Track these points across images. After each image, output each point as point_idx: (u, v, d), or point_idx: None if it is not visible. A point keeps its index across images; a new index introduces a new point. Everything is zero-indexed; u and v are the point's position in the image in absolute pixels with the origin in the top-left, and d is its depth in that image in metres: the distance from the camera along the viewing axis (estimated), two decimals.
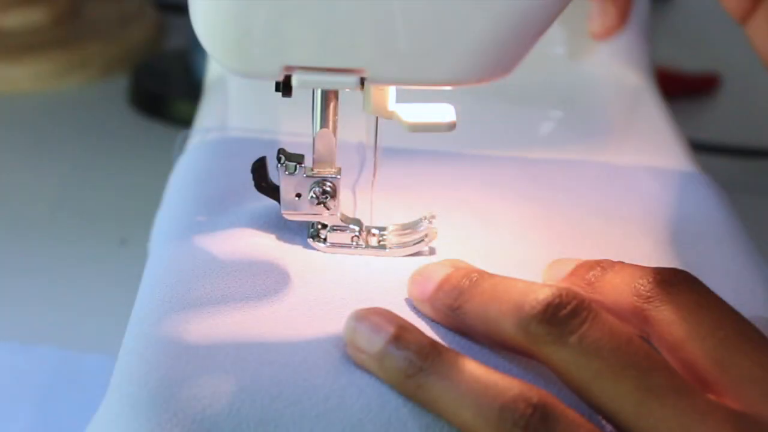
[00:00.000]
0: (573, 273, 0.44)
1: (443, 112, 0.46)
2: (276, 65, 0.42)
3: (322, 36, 0.41)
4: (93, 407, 0.42)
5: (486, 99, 0.63)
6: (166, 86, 0.86)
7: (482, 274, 0.43)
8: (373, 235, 0.49)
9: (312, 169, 0.48)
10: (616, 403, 0.38)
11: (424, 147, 0.58)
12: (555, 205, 0.54)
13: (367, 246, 0.49)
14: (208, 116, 0.62)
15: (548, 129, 0.63)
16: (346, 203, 0.51)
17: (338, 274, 0.47)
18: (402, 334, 0.40)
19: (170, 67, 0.89)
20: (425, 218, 0.49)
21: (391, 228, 0.50)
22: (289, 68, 0.42)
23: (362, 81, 0.43)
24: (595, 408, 0.39)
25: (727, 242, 0.52)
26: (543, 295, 0.39)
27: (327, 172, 0.48)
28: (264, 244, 0.48)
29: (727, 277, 0.49)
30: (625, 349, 0.38)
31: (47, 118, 0.84)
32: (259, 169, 0.49)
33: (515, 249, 0.50)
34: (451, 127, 0.46)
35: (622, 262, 0.44)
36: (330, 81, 0.43)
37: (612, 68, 0.67)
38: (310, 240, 0.49)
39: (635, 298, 0.41)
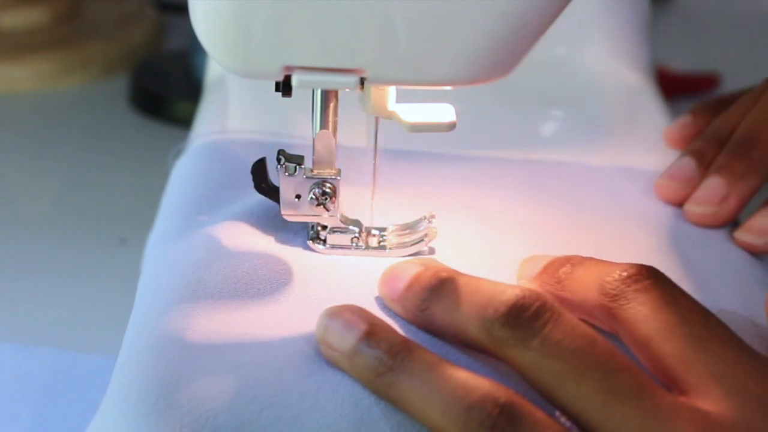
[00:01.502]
0: (544, 270, 0.44)
1: (443, 112, 0.46)
2: (276, 65, 0.42)
3: (322, 36, 0.41)
4: (93, 407, 0.42)
5: (486, 99, 0.63)
6: (166, 86, 0.86)
7: (451, 274, 0.43)
8: (373, 235, 0.49)
9: (312, 170, 0.48)
10: (580, 404, 0.38)
11: (424, 147, 0.58)
12: (555, 206, 0.54)
13: (367, 247, 0.49)
14: (207, 117, 0.62)
15: (548, 129, 0.63)
16: (345, 204, 0.51)
17: (336, 276, 0.47)
18: (373, 332, 0.40)
19: (170, 67, 0.89)
20: (425, 218, 0.49)
21: (391, 228, 0.50)
22: (289, 68, 0.42)
23: (362, 81, 0.43)
24: (560, 409, 0.39)
25: (726, 241, 0.52)
26: (506, 297, 0.39)
27: (327, 173, 0.48)
28: (263, 246, 0.48)
29: (727, 276, 0.49)
30: (587, 351, 0.38)
31: (47, 118, 0.84)
32: (258, 170, 0.49)
33: (515, 249, 0.50)
34: (451, 127, 0.46)
35: (592, 259, 0.43)
36: (330, 81, 0.43)
37: (612, 68, 0.67)
38: (309, 242, 0.49)
39: (602, 296, 0.41)
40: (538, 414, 0.38)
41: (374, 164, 0.48)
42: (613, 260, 0.43)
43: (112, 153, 0.78)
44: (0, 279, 0.64)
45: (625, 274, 0.41)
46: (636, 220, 0.53)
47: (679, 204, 0.54)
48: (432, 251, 0.49)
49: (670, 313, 0.40)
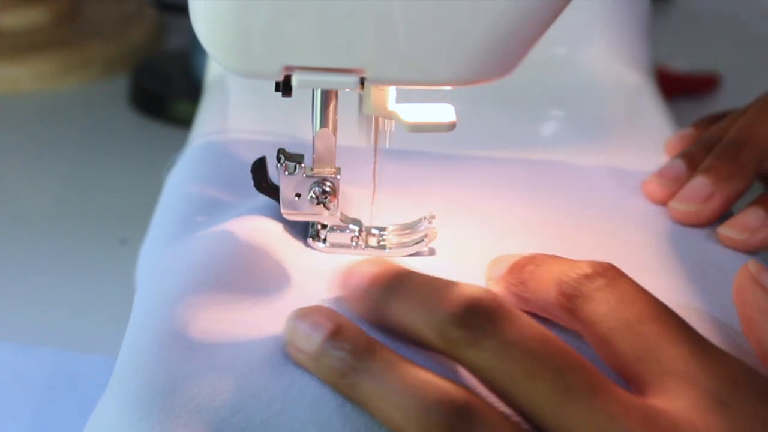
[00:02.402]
0: (509, 271, 0.44)
1: (443, 112, 0.46)
2: (276, 65, 0.42)
3: (322, 36, 0.41)
4: (91, 406, 0.42)
5: (486, 99, 0.63)
6: (166, 86, 0.86)
7: (408, 275, 0.42)
8: (373, 235, 0.49)
9: (312, 169, 0.48)
10: (534, 405, 0.38)
11: (424, 147, 0.58)
12: (555, 206, 0.54)
13: (367, 246, 0.49)
14: (207, 117, 0.62)
15: (548, 129, 0.63)
16: (345, 203, 0.51)
17: (335, 275, 0.47)
18: (339, 332, 0.40)
19: (170, 67, 0.89)
20: (425, 218, 0.49)
21: (391, 228, 0.50)
22: (289, 68, 0.42)
23: (362, 81, 0.43)
24: (515, 409, 0.39)
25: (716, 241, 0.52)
26: (459, 299, 0.39)
27: (327, 172, 0.48)
28: (263, 245, 0.48)
29: (728, 275, 0.49)
30: (540, 351, 0.38)
31: (47, 118, 0.84)
32: (259, 169, 0.49)
33: (515, 249, 0.50)
34: (452, 127, 0.46)
35: (555, 257, 0.43)
36: (330, 81, 0.43)
37: (612, 68, 0.67)
38: (309, 240, 0.49)
39: (560, 296, 0.41)
40: (495, 416, 0.38)
41: (374, 164, 0.48)
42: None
43: (112, 153, 0.78)
44: (0, 279, 0.64)
45: (582, 273, 0.41)
46: (635, 220, 0.53)
47: (665, 203, 0.55)
48: (432, 251, 0.49)
49: (627, 311, 0.40)
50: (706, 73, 0.91)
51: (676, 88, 0.86)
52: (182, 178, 0.55)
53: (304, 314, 0.41)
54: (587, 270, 0.41)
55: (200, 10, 0.42)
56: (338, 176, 0.48)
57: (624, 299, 0.40)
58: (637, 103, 0.65)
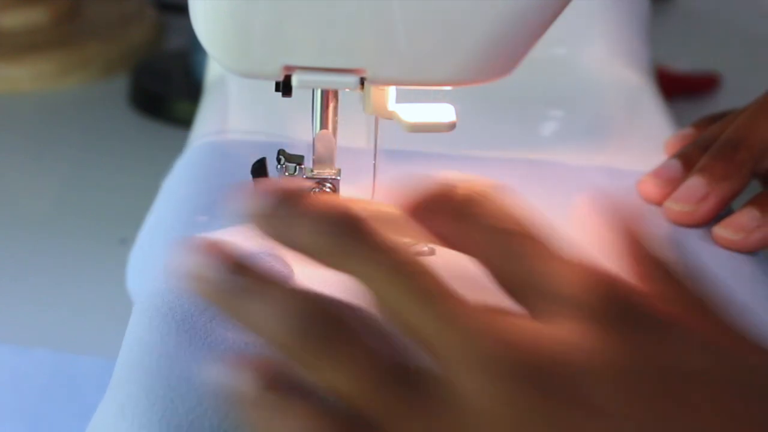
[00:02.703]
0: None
1: (443, 112, 0.46)
2: (276, 65, 0.42)
3: (322, 36, 0.41)
4: (91, 410, 0.42)
5: (486, 99, 0.63)
6: (166, 86, 0.86)
7: (299, 192, 0.41)
8: None
9: (312, 171, 0.48)
10: (389, 304, 0.38)
11: (424, 147, 0.58)
12: (555, 206, 0.54)
13: None
14: (207, 117, 0.62)
15: (548, 129, 0.63)
16: None
17: (334, 275, 0.47)
18: (223, 256, 0.39)
19: (170, 67, 0.89)
20: None
21: None
22: (289, 68, 0.43)
23: (362, 81, 0.43)
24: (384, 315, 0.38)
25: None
26: (325, 212, 0.39)
27: (327, 173, 0.48)
28: (263, 246, 0.48)
29: (723, 276, 0.49)
30: (394, 258, 0.38)
31: (47, 118, 0.84)
32: (259, 170, 0.49)
33: None
34: (451, 127, 0.46)
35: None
36: (330, 81, 0.43)
37: (612, 68, 0.67)
38: None
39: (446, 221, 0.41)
40: (361, 320, 0.38)
41: (374, 164, 0.48)
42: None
43: (112, 153, 0.78)
44: (0, 279, 0.64)
45: (460, 196, 0.41)
46: (637, 220, 0.53)
47: (660, 203, 0.55)
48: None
49: (505, 234, 0.40)
50: (706, 73, 0.91)
51: (676, 88, 0.86)
52: (182, 179, 0.55)
53: (194, 244, 0.40)
54: (464, 193, 0.41)
55: (200, 10, 0.42)
56: (338, 177, 0.48)
57: (501, 221, 0.40)
58: (637, 103, 0.65)
